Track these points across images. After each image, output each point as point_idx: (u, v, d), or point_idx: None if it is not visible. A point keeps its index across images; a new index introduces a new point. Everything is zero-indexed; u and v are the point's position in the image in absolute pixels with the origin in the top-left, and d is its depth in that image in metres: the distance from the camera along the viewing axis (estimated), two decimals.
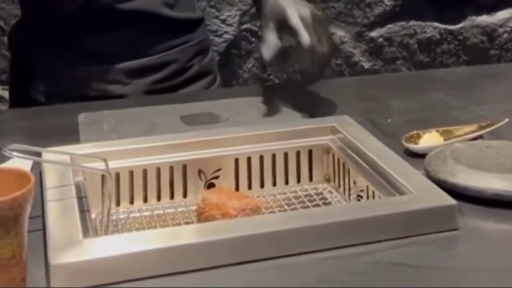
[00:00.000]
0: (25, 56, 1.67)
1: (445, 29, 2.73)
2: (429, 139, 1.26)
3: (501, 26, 2.76)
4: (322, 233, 0.98)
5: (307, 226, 0.98)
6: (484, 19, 2.74)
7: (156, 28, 1.63)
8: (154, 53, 1.64)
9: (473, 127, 1.29)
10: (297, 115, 1.42)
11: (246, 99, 1.52)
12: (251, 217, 1.05)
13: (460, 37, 2.74)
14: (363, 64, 2.69)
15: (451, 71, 2.00)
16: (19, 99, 1.71)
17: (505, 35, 2.76)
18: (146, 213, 1.18)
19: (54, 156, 1.15)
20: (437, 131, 1.28)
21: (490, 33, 2.75)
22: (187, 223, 1.15)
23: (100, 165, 1.13)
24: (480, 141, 1.24)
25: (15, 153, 1.04)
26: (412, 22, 2.71)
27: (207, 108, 1.47)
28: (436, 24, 2.73)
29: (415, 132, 1.28)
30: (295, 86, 1.79)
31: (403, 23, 2.70)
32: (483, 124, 1.29)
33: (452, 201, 1.04)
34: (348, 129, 1.27)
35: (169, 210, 1.19)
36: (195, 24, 1.72)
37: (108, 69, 1.61)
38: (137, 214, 1.18)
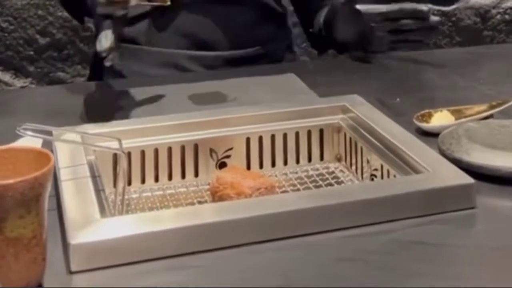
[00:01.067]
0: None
1: (438, 10, 2.72)
2: (441, 118, 1.26)
3: (494, 8, 2.75)
4: (342, 212, 0.98)
5: (327, 204, 0.97)
6: (477, 0, 2.74)
7: (258, 18, 1.66)
8: (252, 45, 1.66)
9: (484, 106, 1.29)
10: (304, 94, 1.42)
11: (252, 78, 1.51)
12: (271, 196, 1.05)
13: (454, 18, 2.73)
14: None
15: (454, 51, 2.00)
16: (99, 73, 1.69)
17: (498, 16, 2.75)
18: (158, 193, 1.17)
19: (67, 135, 1.14)
20: (448, 110, 1.28)
21: (483, 14, 2.74)
22: (200, 202, 1.14)
23: (113, 144, 1.12)
24: (492, 120, 1.24)
25: (29, 132, 1.03)
26: (407, 4, 2.70)
27: (214, 87, 1.46)
28: (430, 5, 2.70)
29: (426, 111, 1.28)
30: (296, 65, 1.79)
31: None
32: (494, 103, 1.29)
33: (470, 179, 1.03)
34: (359, 108, 1.26)
35: (181, 190, 1.18)
36: (284, 17, 1.75)
37: (206, 56, 1.62)
38: (149, 194, 1.17)
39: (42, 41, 2.49)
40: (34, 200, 0.85)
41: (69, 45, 2.51)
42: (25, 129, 1.03)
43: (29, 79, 2.51)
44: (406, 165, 1.10)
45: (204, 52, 1.64)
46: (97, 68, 1.71)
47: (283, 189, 1.17)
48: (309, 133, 1.25)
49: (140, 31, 1.62)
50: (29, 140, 1.14)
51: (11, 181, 0.83)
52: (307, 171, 1.23)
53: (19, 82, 2.51)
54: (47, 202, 0.88)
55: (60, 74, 2.53)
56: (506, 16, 2.75)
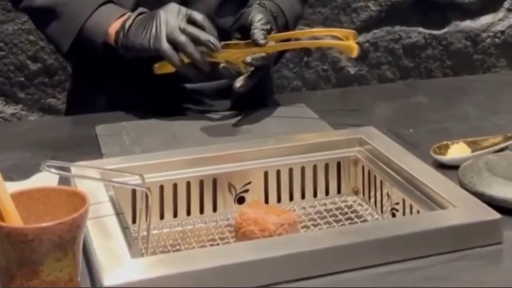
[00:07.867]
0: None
1: (429, 34, 2.74)
2: (457, 150, 1.26)
3: (484, 31, 2.77)
4: (374, 249, 0.97)
5: (360, 241, 0.97)
6: (467, 24, 2.76)
7: None
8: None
9: (499, 137, 1.29)
10: (317, 125, 1.42)
11: (263, 110, 1.50)
12: (304, 233, 1.05)
13: (444, 42, 2.75)
14: (349, 69, 2.68)
15: (463, 79, 1.99)
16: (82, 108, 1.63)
17: (488, 40, 2.77)
18: (177, 228, 1.17)
19: (87, 171, 1.13)
20: (465, 142, 1.28)
21: (473, 38, 2.76)
22: (221, 238, 1.13)
23: (132, 179, 1.12)
24: (510, 152, 1.24)
25: (53, 170, 1.02)
26: (397, 28, 2.71)
27: (225, 119, 1.45)
28: (420, 29, 2.73)
29: (443, 143, 1.28)
30: (304, 94, 1.78)
31: (388, 28, 2.70)
32: (509, 134, 1.29)
33: (496, 215, 1.03)
34: (375, 140, 1.26)
35: (200, 225, 1.18)
36: None
37: (190, 88, 1.57)
38: (168, 230, 1.16)
39: (33, 67, 2.47)
40: (71, 242, 0.84)
41: (60, 71, 2.49)
42: (50, 166, 1.02)
43: (20, 105, 2.49)
44: (429, 200, 1.10)
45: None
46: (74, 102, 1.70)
47: (304, 223, 1.16)
48: (326, 166, 1.25)
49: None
50: (45, 176, 1.13)
51: (50, 223, 0.82)
52: (325, 204, 1.22)
53: (9, 109, 2.49)
54: (82, 244, 0.87)
55: (51, 101, 2.51)
56: (496, 40, 2.77)
